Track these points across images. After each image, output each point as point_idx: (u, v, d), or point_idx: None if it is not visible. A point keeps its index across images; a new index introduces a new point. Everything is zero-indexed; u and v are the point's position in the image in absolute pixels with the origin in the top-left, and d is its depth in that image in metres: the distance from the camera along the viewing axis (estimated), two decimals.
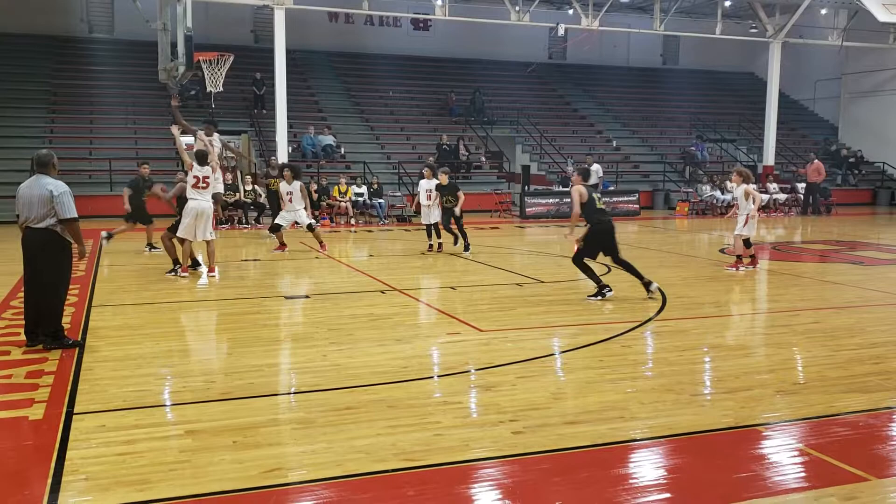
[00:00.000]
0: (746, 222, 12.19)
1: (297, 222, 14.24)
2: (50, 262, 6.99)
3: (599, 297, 9.54)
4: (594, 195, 9.61)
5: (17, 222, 7.13)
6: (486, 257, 13.81)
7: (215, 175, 11.63)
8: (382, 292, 10.39)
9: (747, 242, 12.31)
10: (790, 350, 7.47)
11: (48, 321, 7.12)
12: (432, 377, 6.55)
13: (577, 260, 9.68)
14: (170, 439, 4.96)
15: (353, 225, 20.55)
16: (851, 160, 30.00)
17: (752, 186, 12.22)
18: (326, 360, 6.90)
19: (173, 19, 15.22)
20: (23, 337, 7.33)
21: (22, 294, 9.77)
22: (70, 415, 5.37)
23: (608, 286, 9.62)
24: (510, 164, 27.63)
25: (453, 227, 14.16)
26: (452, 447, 4.84)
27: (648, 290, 9.59)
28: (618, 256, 9.62)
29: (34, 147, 21.28)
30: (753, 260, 12.44)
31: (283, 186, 14.05)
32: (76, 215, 6.98)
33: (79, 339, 7.47)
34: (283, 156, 21.46)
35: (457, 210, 14.00)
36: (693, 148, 28.62)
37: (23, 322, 7.39)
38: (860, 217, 24.79)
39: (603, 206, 9.79)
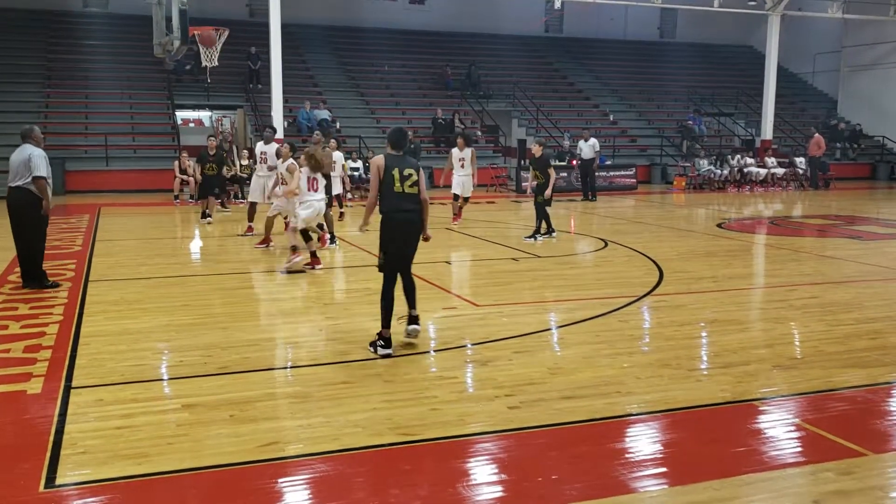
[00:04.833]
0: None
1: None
2: (25, 214, 8.27)
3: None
4: None
5: None
6: (481, 232, 13.79)
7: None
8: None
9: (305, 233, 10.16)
10: (787, 325, 7.48)
11: (30, 265, 8.38)
12: (428, 352, 6.55)
13: None
14: (167, 413, 4.97)
15: (348, 200, 20.45)
16: (841, 140, 29.75)
17: (304, 169, 10.06)
18: (323, 334, 6.90)
19: None
20: (21, 311, 7.64)
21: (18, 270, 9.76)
22: (68, 389, 5.38)
23: None
24: (506, 139, 27.48)
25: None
26: (448, 422, 4.85)
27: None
28: None
29: (29, 122, 21.16)
30: (295, 251, 10.01)
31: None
32: (44, 175, 8.17)
33: (77, 310, 7.62)
34: (278, 130, 21.31)
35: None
36: (690, 122, 28.46)
37: (21, 295, 8.31)
38: (859, 191, 24.76)
39: None
